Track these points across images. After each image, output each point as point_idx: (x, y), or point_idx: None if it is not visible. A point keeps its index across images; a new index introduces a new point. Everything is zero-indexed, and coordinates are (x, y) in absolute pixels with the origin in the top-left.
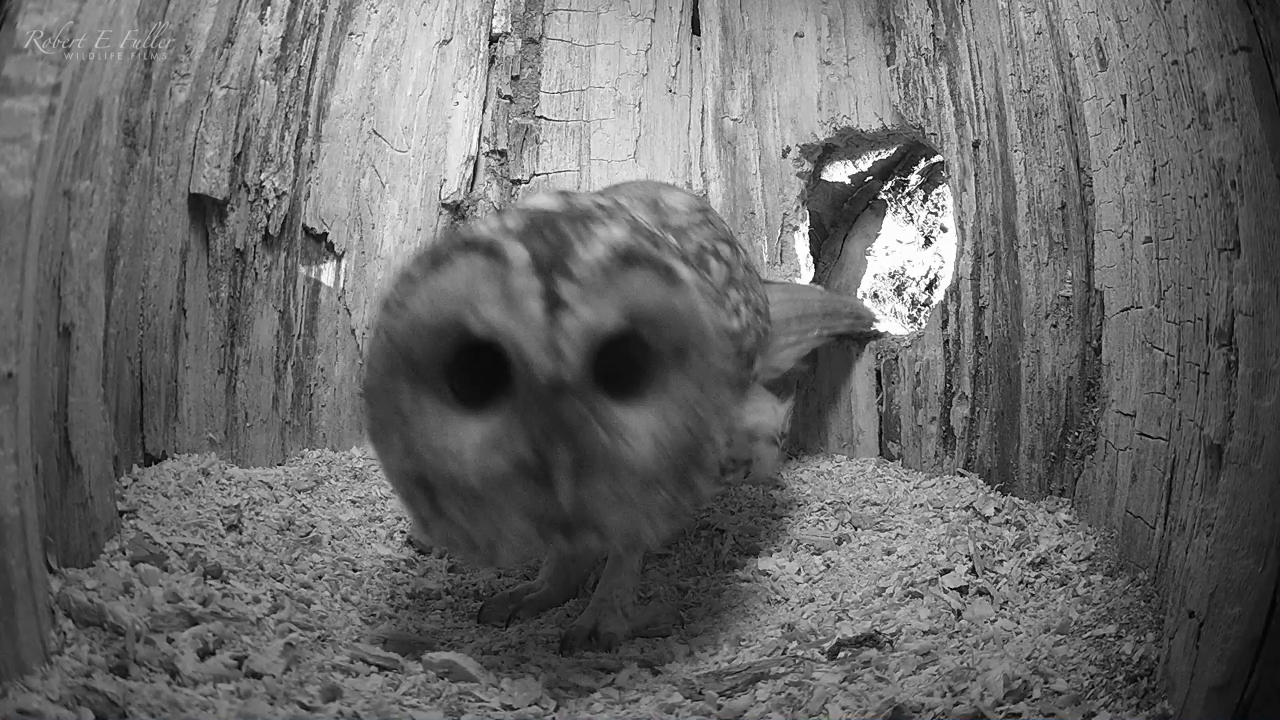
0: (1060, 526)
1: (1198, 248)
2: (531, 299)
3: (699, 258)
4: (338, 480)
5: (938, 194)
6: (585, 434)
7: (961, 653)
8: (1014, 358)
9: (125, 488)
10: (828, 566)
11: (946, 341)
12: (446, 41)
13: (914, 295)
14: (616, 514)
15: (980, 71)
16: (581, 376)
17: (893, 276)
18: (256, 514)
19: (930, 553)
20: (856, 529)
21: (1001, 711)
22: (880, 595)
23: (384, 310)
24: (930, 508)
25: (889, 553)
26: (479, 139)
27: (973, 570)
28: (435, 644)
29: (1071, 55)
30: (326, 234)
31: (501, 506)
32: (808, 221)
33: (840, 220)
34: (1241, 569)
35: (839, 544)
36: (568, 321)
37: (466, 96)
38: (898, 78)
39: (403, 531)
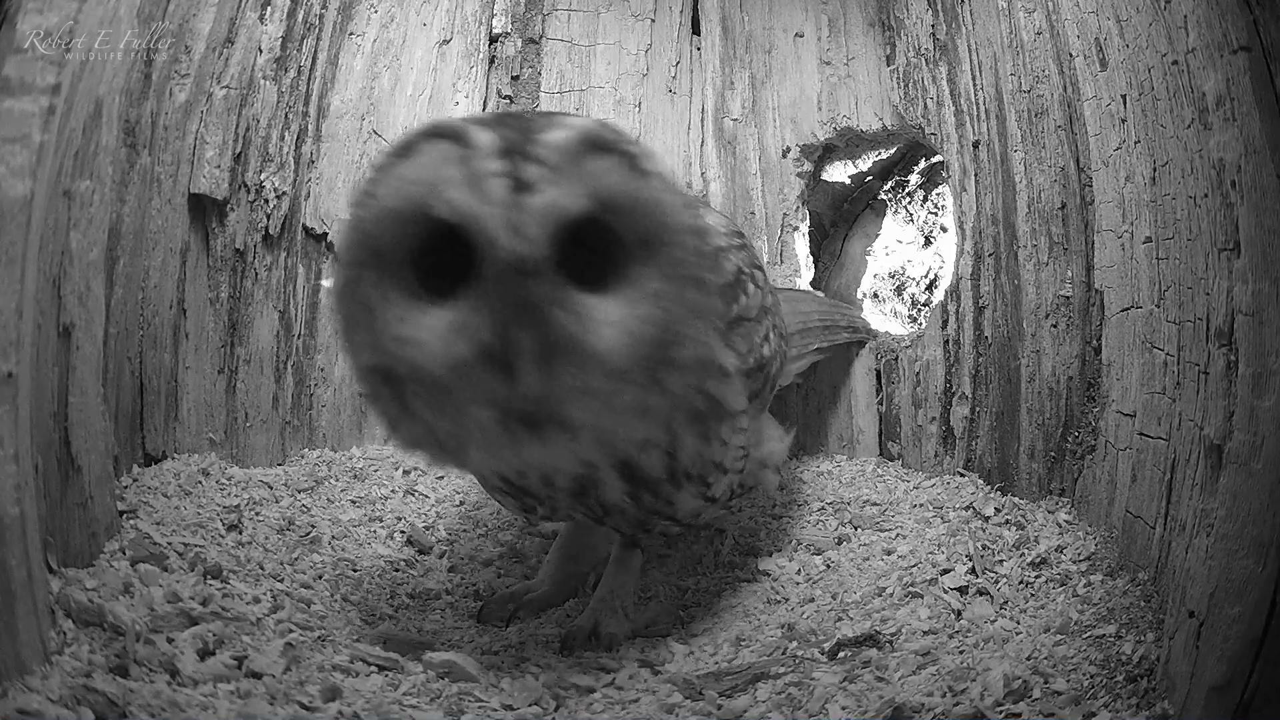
0: (1060, 526)
1: (1198, 248)
2: (495, 180)
3: (738, 280)
4: (338, 480)
5: (938, 194)
6: (549, 318)
7: (961, 653)
8: (1014, 358)
9: (125, 488)
10: (828, 566)
11: (946, 341)
12: (446, 41)
13: (914, 295)
14: (583, 407)
15: (980, 71)
16: (545, 257)
17: (893, 276)
18: (256, 514)
19: (930, 553)
20: (856, 529)
21: (1001, 711)
22: (880, 595)
23: (353, 204)
24: (930, 508)
25: (889, 553)
26: None
27: (973, 570)
28: (435, 644)
29: (1071, 55)
30: (326, 234)
31: (465, 395)
32: (808, 221)
33: (840, 220)
34: (1241, 569)
35: (839, 544)
36: (531, 201)
37: (466, 96)
38: (898, 78)
39: (403, 532)
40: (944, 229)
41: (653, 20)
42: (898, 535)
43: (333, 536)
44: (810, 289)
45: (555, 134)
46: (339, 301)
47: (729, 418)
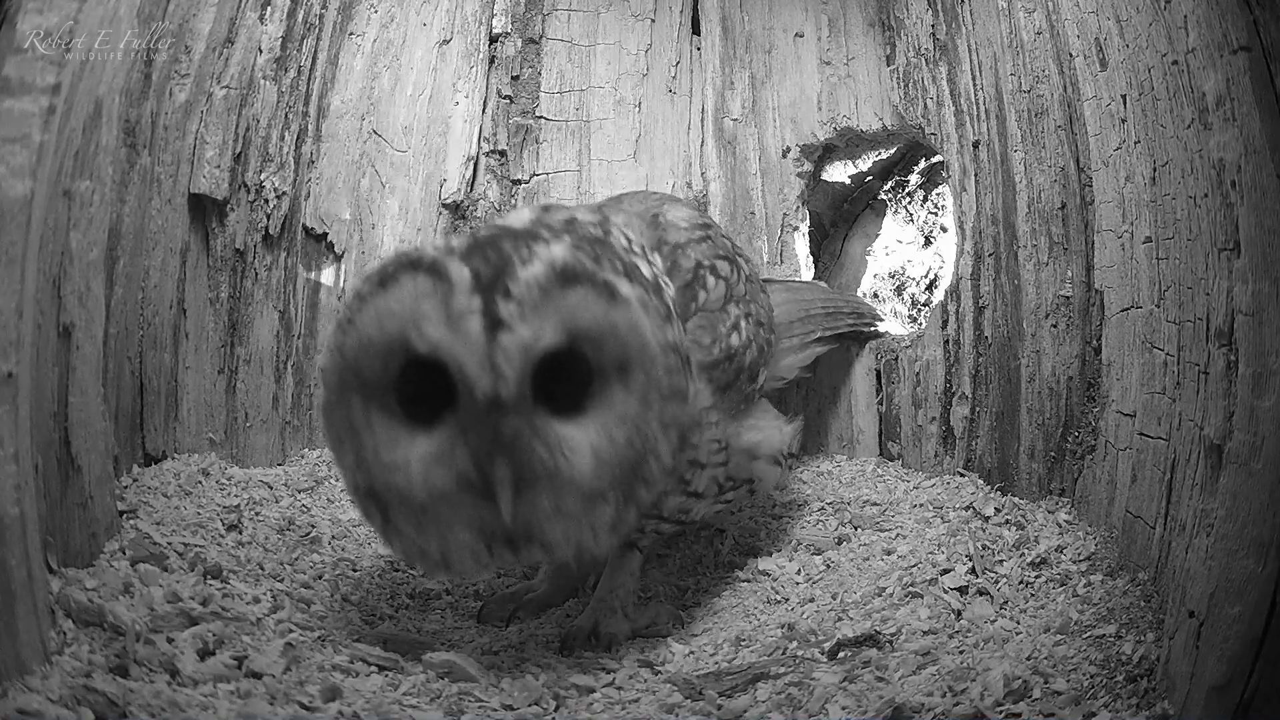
0: (1060, 526)
1: (1198, 248)
2: (471, 318)
3: (696, 274)
4: (338, 480)
5: (938, 194)
6: (524, 449)
7: (961, 653)
8: (1014, 358)
9: (125, 488)
10: (828, 566)
11: (946, 341)
12: (446, 41)
13: (914, 295)
14: (558, 527)
15: (980, 71)
16: (519, 393)
17: (893, 276)
18: (256, 514)
19: (930, 553)
20: (856, 529)
21: (1001, 711)
22: (880, 595)
23: (336, 328)
24: (930, 508)
25: (889, 553)
26: (479, 139)
27: (973, 570)
28: (435, 644)
29: (1071, 55)
30: (326, 234)
31: (448, 520)
32: (808, 221)
33: (840, 220)
34: (1241, 569)
35: (839, 544)
36: (506, 339)
37: (466, 96)
38: (898, 78)
39: None
40: (944, 229)
41: (653, 20)
42: (898, 535)
43: (333, 536)
44: (815, 281)
45: (530, 269)
46: (325, 419)
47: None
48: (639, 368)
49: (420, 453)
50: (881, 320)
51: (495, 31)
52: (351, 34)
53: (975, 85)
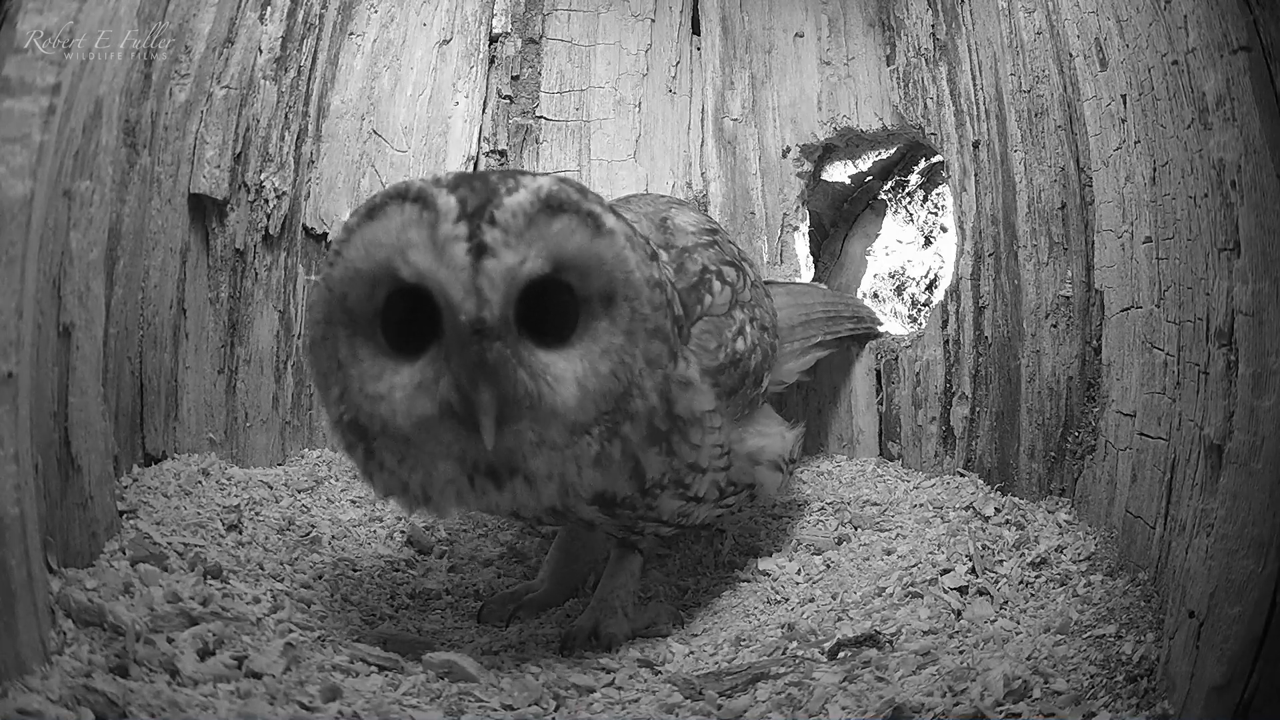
0: (1060, 526)
1: (1198, 248)
2: (457, 244)
3: (702, 279)
4: (338, 480)
5: (938, 194)
6: (508, 376)
7: (961, 653)
8: (1014, 358)
9: (125, 488)
10: (828, 566)
11: (946, 341)
12: (446, 41)
13: (914, 295)
14: (542, 458)
15: (980, 71)
16: (503, 318)
17: (893, 276)
18: (256, 514)
19: (930, 553)
20: (856, 529)
21: (1001, 711)
22: (880, 595)
23: (323, 262)
24: (930, 508)
25: (889, 553)
26: (479, 139)
27: (973, 570)
28: (435, 644)
29: (1071, 55)
30: (326, 234)
31: (430, 450)
32: (808, 221)
33: (840, 220)
34: (1241, 569)
35: (839, 544)
36: (490, 265)
37: (466, 96)
38: (898, 78)
39: (403, 532)
40: (944, 229)
41: (653, 20)
42: (898, 535)
43: (333, 536)
44: (815, 283)
45: (515, 197)
46: (312, 356)
47: (695, 422)
48: (624, 300)
49: (404, 381)
50: (881, 324)
51: (495, 31)
52: (351, 34)
53: (975, 85)
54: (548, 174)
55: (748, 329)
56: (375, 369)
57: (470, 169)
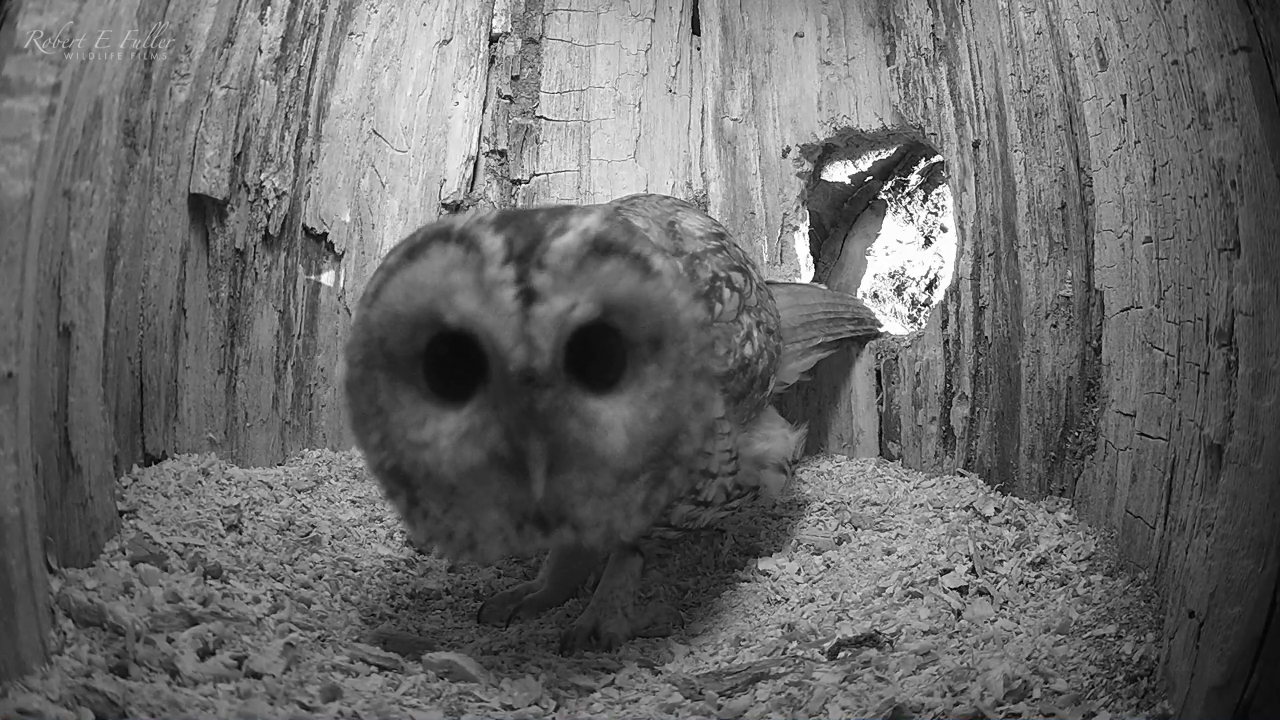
0: (1060, 526)
1: (1198, 248)
2: (504, 289)
3: (713, 286)
4: (338, 480)
5: (938, 194)
6: (558, 425)
7: (961, 653)
8: (1014, 358)
9: (125, 488)
10: (828, 566)
11: (946, 341)
12: (446, 41)
13: (914, 295)
14: (590, 507)
15: (980, 71)
16: (554, 366)
17: (893, 276)
18: (256, 514)
19: (930, 553)
20: (856, 529)
21: (1001, 711)
22: (880, 595)
23: (361, 302)
24: (930, 508)
25: (889, 553)
26: (479, 139)
27: (973, 570)
28: (435, 644)
29: (1071, 55)
30: (326, 234)
31: (477, 499)
32: (808, 221)
33: (840, 220)
34: (1241, 569)
35: (839, 544)
36: (540, 311)
37: (466, 96)
38: (898, 78)
39: (402, 531)
40: (944, 229)
41: (653, 20)
42: (898, 535)
43: (333, 536)
44: (815, 284)
45: (564, 239)
46: (349, 397)
47: (709, 430)
48: (672, 343)
49: (449, 429)
50: (881, 326)
51: (495, 31)
52: (351, 34)
53: (975, 85)
54: (593, 210)
55: (755, 333)
56: (418, 415)
57: (470, 169)
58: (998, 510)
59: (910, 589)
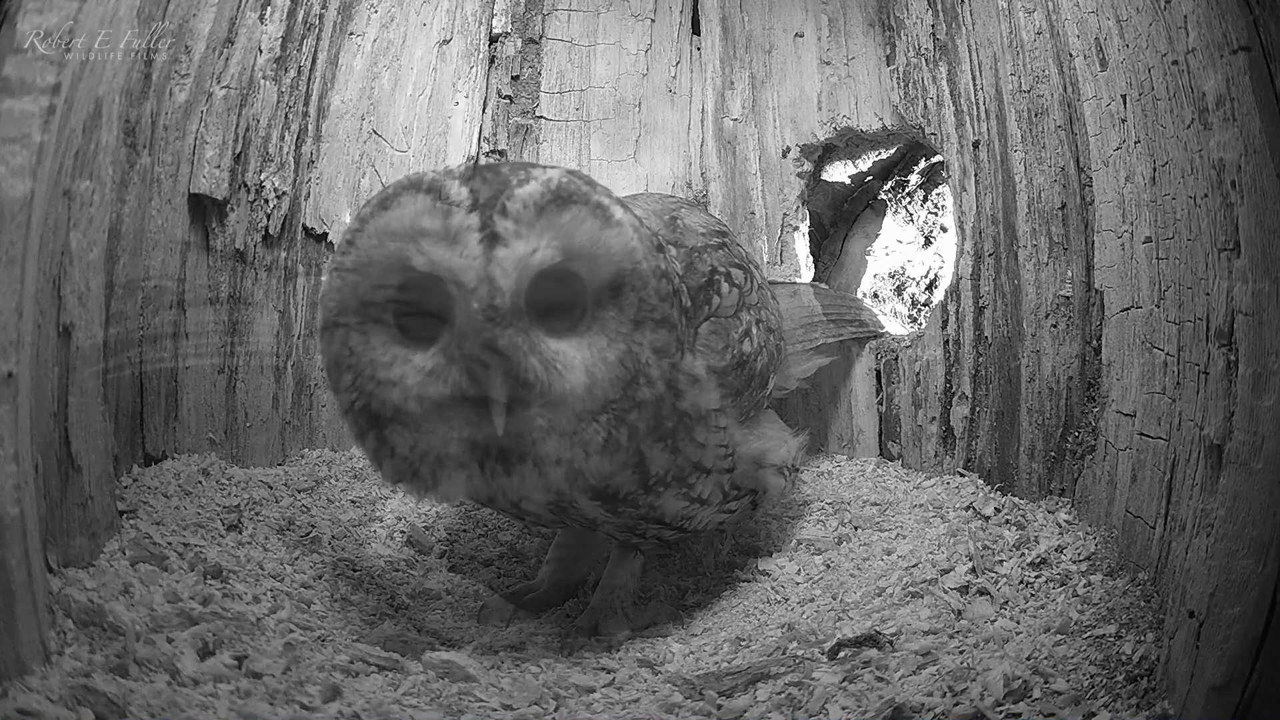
0: (1060, 526)
1: (1198, 248)
2: (469, 234)
3: (711, 280)
4: (338, 480)
5: (938, 194)
6: (519, 362)
7: (961, 653)
8: (1014, 358)
9: (125, 488)
10: (828, 566)
11: (946, 341)
12: (446, 41)
13: (914, 295)
14: (551, 444)
15: (980, 71)
16: (514, 306)
17: (893, 276)
18: (256, 514)
19: (930, 553)
20: (856, 529)
21: (1001, 711)
22: (880, 595)
23: (336, 251)
24: (930, 508)
25: (889, 553)
26: (479, 139)
27: (973, 570)
28: (435, 644)
29: (1071, 55)
30: (326, 234)
31: (442, 435)
32: (808, 221)
33: (840, 220)
34: (1241, 569)
35: (839, 544)
36: (502, 254)
37: (466, 96)
38: (898, 78)
39: (402, 532)
40: (944, 229)
41: (653, 20)
42: (898, 535)
43: (333, 536)
44: (816, 284)
45: (527, 189)
46: (324, 342)
47: (701, 420)
48: (631, 289)
49: (416, 368)
50: (883, 329)
51: (495, 31)
52: (351, 34)
53: (975, 85)
54: (558, 167)
55: (754, 331)
56: (387, 356)
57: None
58: (998, 510)
59: (910, 589)
